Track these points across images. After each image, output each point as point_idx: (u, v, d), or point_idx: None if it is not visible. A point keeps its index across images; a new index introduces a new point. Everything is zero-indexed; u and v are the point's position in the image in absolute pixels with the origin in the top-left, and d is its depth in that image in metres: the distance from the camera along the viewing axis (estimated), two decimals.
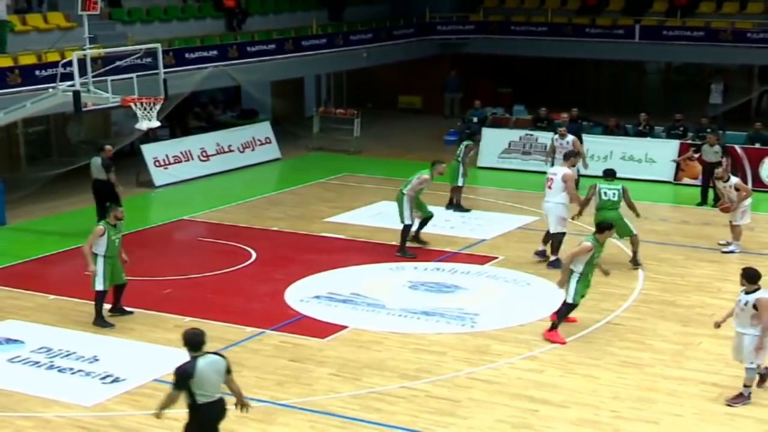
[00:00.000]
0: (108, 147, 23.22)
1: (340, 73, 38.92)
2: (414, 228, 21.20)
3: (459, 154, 24.38)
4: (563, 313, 16.15)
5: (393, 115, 37.74)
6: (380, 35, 35.90)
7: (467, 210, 24.32)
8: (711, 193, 24.48)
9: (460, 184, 24.19)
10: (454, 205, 24.40)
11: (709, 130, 28.51)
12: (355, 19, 36.75)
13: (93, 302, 17.03)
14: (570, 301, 15.98)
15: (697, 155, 26.06)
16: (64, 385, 14.61)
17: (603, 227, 16.26)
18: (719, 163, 24.18)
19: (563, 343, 15.91)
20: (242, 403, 11.59)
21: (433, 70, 37.77)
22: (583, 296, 16.04)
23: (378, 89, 39.07)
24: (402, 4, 38.48)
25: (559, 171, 20.12)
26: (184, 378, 11.01)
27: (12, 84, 24.30)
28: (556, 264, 19.52)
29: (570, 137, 25.21)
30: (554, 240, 20.03)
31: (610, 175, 20.27)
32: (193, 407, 11.17)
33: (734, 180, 21.11)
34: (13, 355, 15.75)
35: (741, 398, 13.93)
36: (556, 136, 25.49)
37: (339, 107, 34.64)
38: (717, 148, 24.88)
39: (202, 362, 11.06)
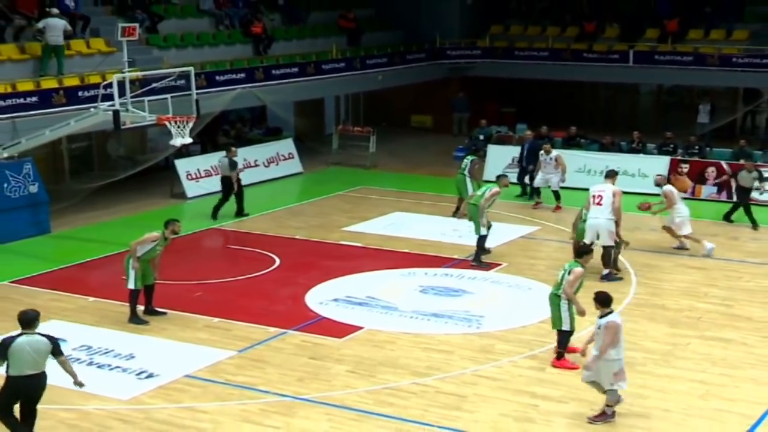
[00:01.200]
0: (234, 149, 25.25)
1: (357, 95, 38.91)
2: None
3: (464, 168, 24.36)
4: (564, 340, 15.14)
5: (406, 133, 37.69)
6: (394, 59, 35.88)
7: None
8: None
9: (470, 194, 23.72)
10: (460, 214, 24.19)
11: (697, 147, 28.51)
12: (371, 44, 36.75)
13: (128, 303, 17.11)
14: (567, 328, 15.06)
15: (686, 170, 26.06)
16: (102, 380, 14.63)
17: (582, 251, 15.62)
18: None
19: (576, 368, 14.63)
20: (77, 383, 12.18)
21: (443, 91, 37.73)
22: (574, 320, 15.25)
23: (392, 109, 39.02)
24: (414, 30, 38.49)
25: (607, 188, 19.33)
26: (1, 348, 11.56)
27: (57, 104, 24.42)
28: (609, 277, 19.11)
29: (554, 153, 25.76)
30: (607, 254, 19.32)
31: None
32: (6, 377, 11.75)
33: (665, 188, 21.07)
34: None
35: (604, 416, 13.23)
36: (542, 152, 25.68)
37: (356, 126, 34.60)
38: (755, 173, 24.32)
39: (23, 339, 11.58)
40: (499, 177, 21.08)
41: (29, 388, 11.81)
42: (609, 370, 13.03)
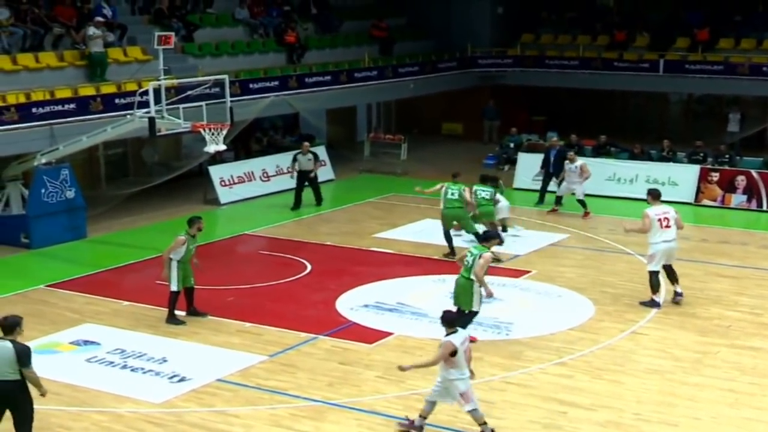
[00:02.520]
0: (306, 143, 27.22)
1: (389, 102, 38.88)
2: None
3: (489, 198, 22.42)
4: (469, 321, 15.87)
5: (436, 141, 37.63)
6: (426, 68, 35.86)
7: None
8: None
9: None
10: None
11: (727, 156, 28.26)
12: (403, 53, 36.73)
13: (164, 307, 17.16)
14: (476, 309, 15.96)
15: (715, 179, 25.86)
16: (135, 383, 14.65)
17: (490, 236, 16.44)
18: None
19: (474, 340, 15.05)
20: (40, 392, 11.92)
21: (474, 99, 37.64)
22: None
23: (423, 117, 38.97)
24: (446, 39, 38.44)
25: (670, 209, 18.58)
26: None
27: (94, 110, 24.56)
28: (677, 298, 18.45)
29: (579, 161, 25.62)
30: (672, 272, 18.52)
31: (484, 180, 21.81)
32: None
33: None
34: (91, 355, 15.84)
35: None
36: (567, 160, 25.54)
37: (388, 133, 34.55)
38: None
39: None
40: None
41: None
42: (455, 391, 12.71)
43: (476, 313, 16.03)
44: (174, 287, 17.12)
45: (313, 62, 33.38)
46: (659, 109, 39.45)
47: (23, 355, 11.59)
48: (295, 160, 27.01)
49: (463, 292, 15.98)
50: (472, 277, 15.77)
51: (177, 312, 17.31)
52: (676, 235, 18.34)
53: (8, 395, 11.70)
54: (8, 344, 11.56)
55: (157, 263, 18.17)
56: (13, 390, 11.67)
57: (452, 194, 21.25)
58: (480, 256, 15.80)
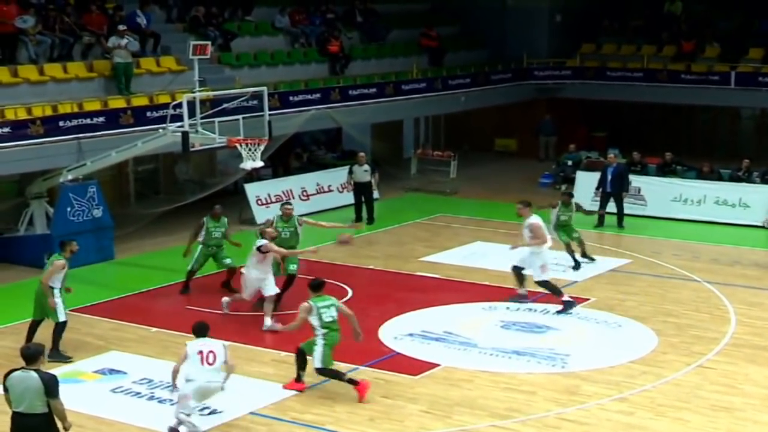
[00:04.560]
0: (361, 154, 28.05)
1: (438, 117, 38.88)
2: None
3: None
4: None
5: (489, 158, 37.57)
6: (478, 79, 35.83)
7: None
8: None
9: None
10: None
11: None
12: (454, 64, 36.76)
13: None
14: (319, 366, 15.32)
15: None
16: (164, 415, 14.63)
17: (316, 286, 15.69)
18: None
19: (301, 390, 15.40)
20: (64, 426, 11.78)
21: (529, 113, 37.55)
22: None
23: (475, 132, 38.94)
24: (500, 49, 38.43)
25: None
26: (2, 383, 11.64)
27: (124, 124, 24.78)
28: None
29: (532, 218, 23.98)
30: None
31: None
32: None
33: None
34: (116, 385, 15.88)
35: None
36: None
37: (436, 149, 34.53)
38: None
39: (17, 375, 11.50)
40: None
41: (22, 428, 11.57)
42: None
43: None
44: (62, 317, 16.94)
45: (358, 73, 33.48)
46: (730, 125, 39.10)
47: (51, 386, 11.49)
48: (351, 172, 27.36)
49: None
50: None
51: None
52: None
53: (36, 430, 11.59)
54: (34, 374, 11.45)
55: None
56: (41, 425, 11.57)
57: None
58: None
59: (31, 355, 11.59)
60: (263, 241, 18.55)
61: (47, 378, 11.50)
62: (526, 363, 16.80)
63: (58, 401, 11.58)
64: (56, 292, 16.88)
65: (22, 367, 11.57)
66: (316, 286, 15.67)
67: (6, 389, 11.63)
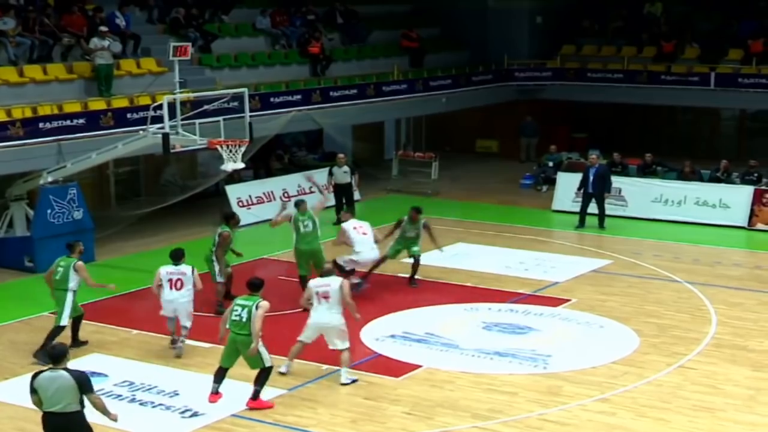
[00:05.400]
0: (341, 155, 28.29)
1: (419, 118, 38.86)
2: None
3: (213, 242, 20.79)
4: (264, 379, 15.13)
5: (470, 159, 37.58)
6: (459, 81, 35.85)
7: None
8: None
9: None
10: None
11: None
12: (435, 65, 36.76)
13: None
14: (268, 365, 15.11)
15: None
16: (145, 418, 14.63)
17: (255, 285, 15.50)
18: None
19: (271, 407, 14.99)
20: (110, 418, 12.04)
21: (510, 115, 37.59)
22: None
23: (456, 133, 38.97)
24: (481, 51, 38.43)
25: (365, 223, 20.40)
26: (30, 384, 11.64)
27: (105, 126, 24.69)
28: None
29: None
30: None
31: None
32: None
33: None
34: (97, 388, 15.52)
35: None
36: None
37: (418, 151, 34.55)
38: None
39: (46, 375, 11.54)
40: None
41: (57, 428, 11.66)
42: None
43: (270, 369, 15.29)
44: (64, 321, 17.07)
45: (339, 75, 33.47)
46: (710, 126, 39.24)
47: (84, 382, 11.61)
48: (331, 173, 27.44)
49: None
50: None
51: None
52: None
53: (73, 428, 11.69)
54: (65, 374, 11.51)
55: None
56: (76, 422, 11.67)
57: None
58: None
59: (57, 355, 11.69)
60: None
61: (78, 375, 11.64)
62: (507, 364, 16.82)
63: (94, 395, 11.76)
64: (69, 294, 17.02)
65: (50, 367, 11.61)
66: (252, 285, 15.50)
67: (35, 390, 11.59)
